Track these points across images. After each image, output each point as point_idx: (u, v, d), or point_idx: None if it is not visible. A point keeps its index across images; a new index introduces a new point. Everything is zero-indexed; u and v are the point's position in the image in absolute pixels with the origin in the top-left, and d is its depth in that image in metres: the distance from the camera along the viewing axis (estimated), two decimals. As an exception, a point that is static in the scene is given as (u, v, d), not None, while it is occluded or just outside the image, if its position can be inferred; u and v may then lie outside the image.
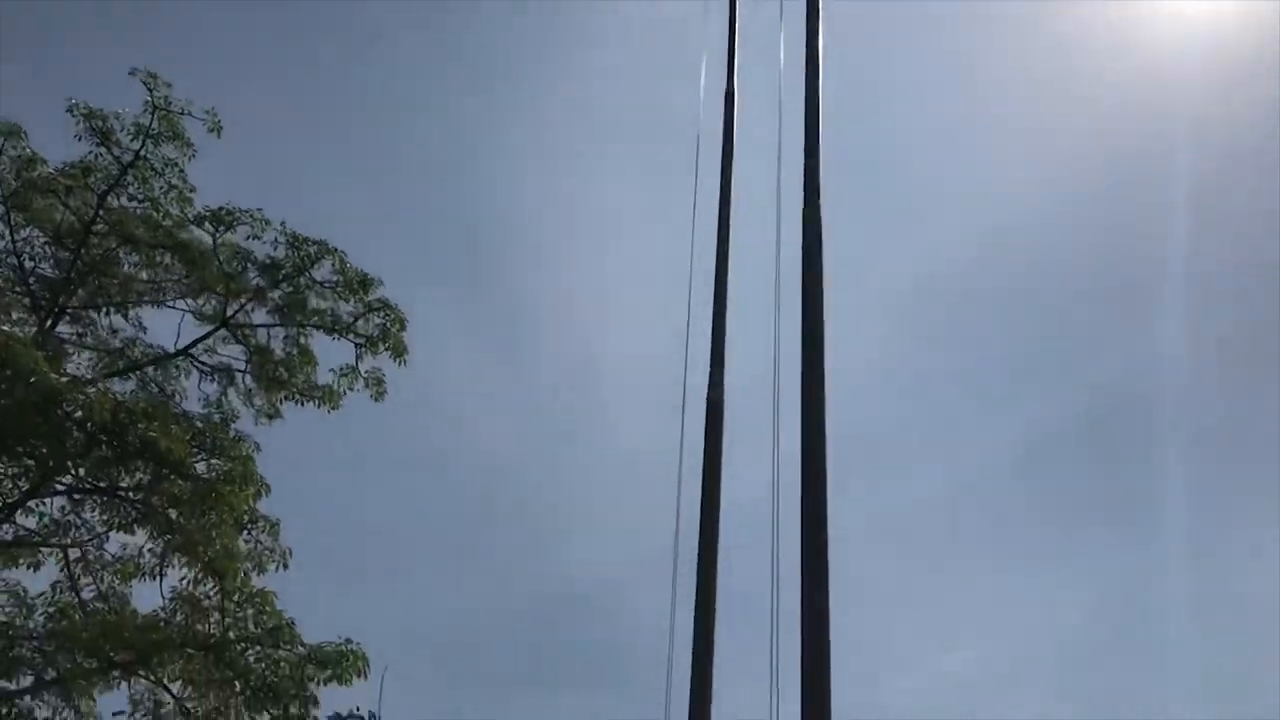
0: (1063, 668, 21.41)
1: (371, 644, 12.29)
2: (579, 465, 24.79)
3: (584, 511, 24.70)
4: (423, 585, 23.04)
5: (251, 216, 14.01)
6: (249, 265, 14.23)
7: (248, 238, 14.14)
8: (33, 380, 10.95)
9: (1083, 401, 23.16)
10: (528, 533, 25.20)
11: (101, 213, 13.98)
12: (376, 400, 14.38)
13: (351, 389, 14.26)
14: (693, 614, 6.96)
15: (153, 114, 13.84)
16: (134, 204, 14.28)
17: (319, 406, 14.25)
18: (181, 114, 14.05)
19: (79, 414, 11.94)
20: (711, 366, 7.48)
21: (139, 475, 12.73)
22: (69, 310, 14.24)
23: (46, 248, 14.08)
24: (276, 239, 14.22)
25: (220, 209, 13.98)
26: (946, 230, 23.79)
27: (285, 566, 13.23)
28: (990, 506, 24.05)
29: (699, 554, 7.03)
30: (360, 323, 14.34)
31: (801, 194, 7.05)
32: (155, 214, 14.23)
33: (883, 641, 21.98)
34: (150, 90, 13.75)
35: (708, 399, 7.38)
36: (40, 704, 12.61)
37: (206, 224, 14.12)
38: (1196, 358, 22.13)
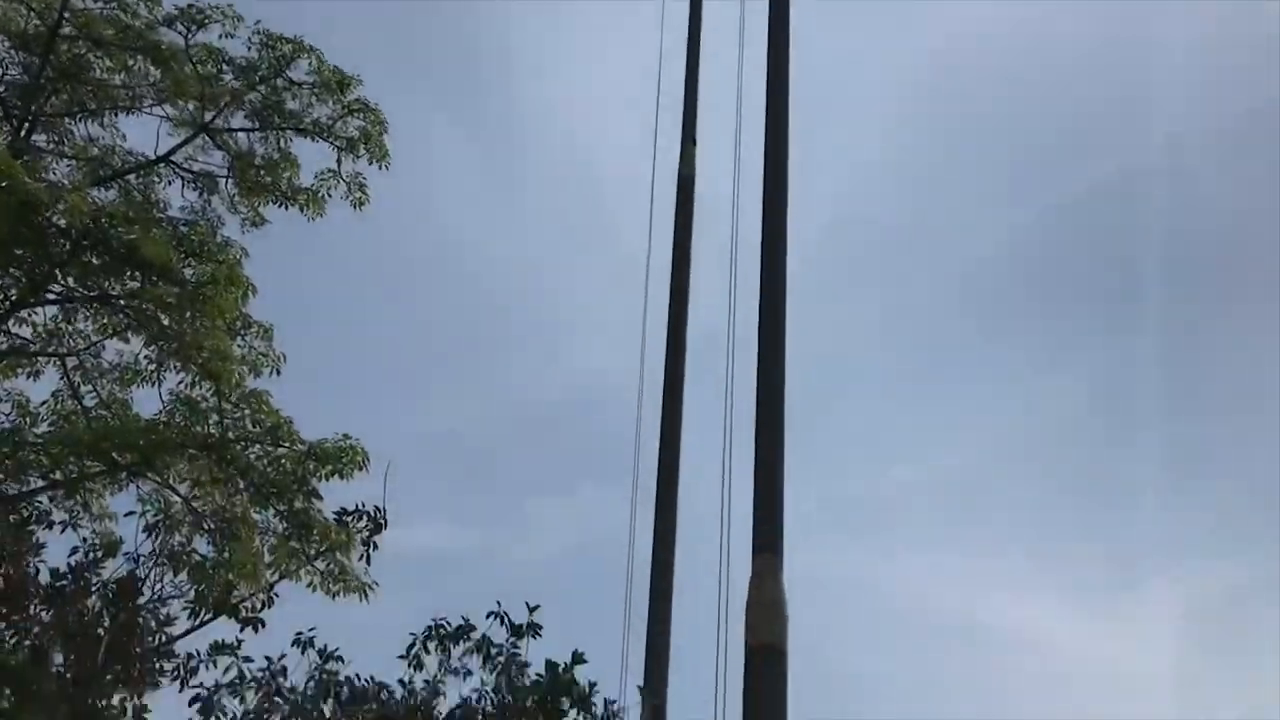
0: (1058, 452, 21.88)
1: (373, 449, 12.35)
2: (579, 269, 24.66)
3: (585, 315, 24.74)
4: (424, 394, 23.38)
5: (222, 13, 13.56)
6: (224, 66, 13.87)
7: (220, 36, 13.74)
8: (5, 184, 10.81)
9: (1082, 191, 22.76)
10: (529, 339, 25.39)
11: (67, 15, 13.52)
12: (357, 207, 14.16)
13: (330, 195, 14.06)
14: (661, 399, 7.01)
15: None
16: (100, 4, 13.82)
17: (303, 211, 14.09)
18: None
19: (61, 221, 11.88)
20: (683, 143, 7.30)
21: (128, 282, 12.78)
22: (43, 118, 13.96)
23: (12, 53, 13.69)
24: (250, 39, 13.84)
25: (189, 6, 13.51)
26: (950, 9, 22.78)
27: (278, 372, 13.39)
28: (988, 302, 24.04)
29: (668, 334, 7.01)
30: (340, 125, 14.05)
31: None
32: (123, 15, 13.78)
33: (882, 436, 22.39)
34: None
35: (678, 175, 7.23)
36: (57, 507, 13.00)
37: (177, 24, 13.69)
38: (1199, 150, 21.64)
